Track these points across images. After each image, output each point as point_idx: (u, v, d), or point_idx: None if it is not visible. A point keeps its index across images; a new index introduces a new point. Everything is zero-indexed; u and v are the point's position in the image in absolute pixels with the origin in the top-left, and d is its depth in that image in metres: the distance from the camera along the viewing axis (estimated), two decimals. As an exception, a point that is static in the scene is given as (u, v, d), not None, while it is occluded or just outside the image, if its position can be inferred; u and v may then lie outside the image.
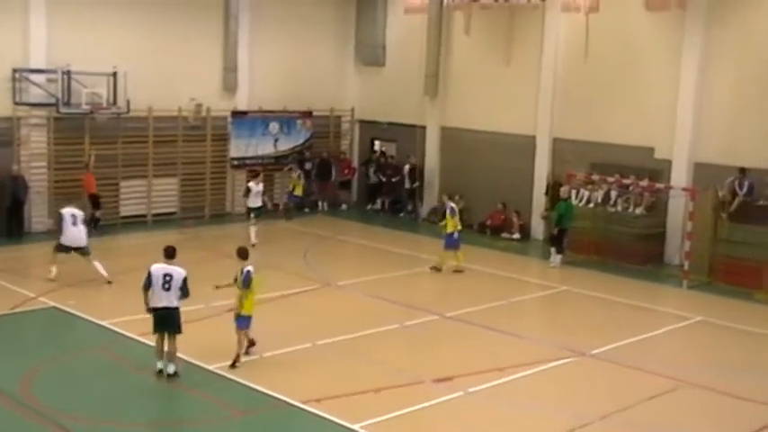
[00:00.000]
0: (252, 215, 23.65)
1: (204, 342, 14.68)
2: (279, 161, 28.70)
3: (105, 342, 15.35)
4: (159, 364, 13.51)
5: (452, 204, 21.65)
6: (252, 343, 14.38)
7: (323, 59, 30.01)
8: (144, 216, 26.08)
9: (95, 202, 24.19)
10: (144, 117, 25.53)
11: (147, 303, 13.42)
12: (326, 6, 30.06)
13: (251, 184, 24.08)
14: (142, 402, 13.10)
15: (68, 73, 23.47)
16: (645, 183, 22.73)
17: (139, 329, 14.80)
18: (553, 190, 24.74)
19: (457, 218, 21.46)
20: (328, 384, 13.50)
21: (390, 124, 29.87)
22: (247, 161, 28.00)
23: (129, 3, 25.14)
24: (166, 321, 13.39)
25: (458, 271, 21.31)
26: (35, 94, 23.52)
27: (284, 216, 27.09)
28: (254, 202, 23.77)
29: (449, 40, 28.04)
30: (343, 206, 30.24)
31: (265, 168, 27.12)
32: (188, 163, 26.99)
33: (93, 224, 24.13)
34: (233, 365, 13.96)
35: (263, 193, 24.37)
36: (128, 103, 24.46)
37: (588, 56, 24.03)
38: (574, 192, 23.62)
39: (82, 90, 23.66)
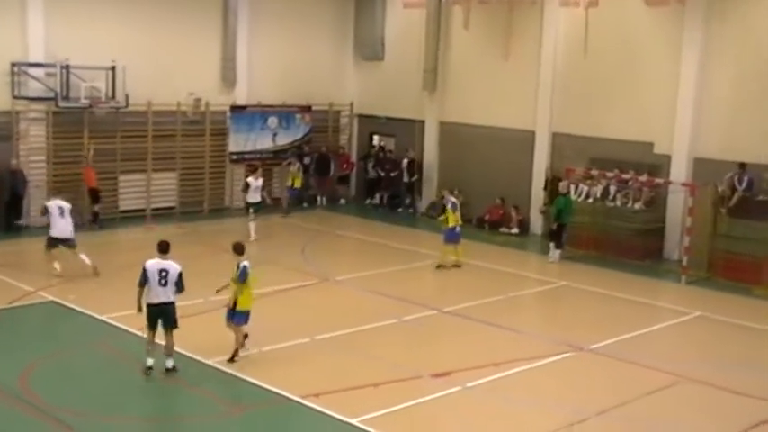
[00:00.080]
0: (251, 210, 23.64)
1: (202, 337, 14.68)
2: (278, 156, 28.68)
3: (105, 337, 15.36)
4: (149, 361, 13.35)
5: (453, 199, 21.61)
6: (245, 336, 14.27)
7: (322, 54, 29.98)
8: (143, 210, 26.08)
9: (95, 196, 24.21)
10: (143, 111, 25.51)
11: (139, 301, 13.30)
12: (325, 1, 30.02)
13: (250, 179, 24.05)
14: (141, 397, 13.11)
15: (67, 67, 23.46)
16: (644, 178, 22.72)
17: (139, 324, 14.73)
18: (552, 185, 24.73)
19: (458, 213, 21.44)
20: (327, 379, 13.51)
21: (389, 119, 29.85)
22: (246, 156, 27.98)
23: (128, -3, 25.20)
24: (164, 316, 13.36)
25: (456, 266, 21.30)
26: (34, 88, 23.50)
27: (285, 212, 27.04)
28: (253, 197, 23.73)
29: (447, 35, 28.00)
30: (342, 201, 30.25)
31: (264, 163, 27.12)
32: (187, 157, 26.98)
33: (92, 218, 24.23)
34: (231, 360, 13.97)
35: (263, 188, 24.34)
36: (126, 97, 24.44)
37: (588, 51, 24.01)
38: (573, 187, 23.60)
39: (81, 84, 23.67)
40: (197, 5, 26.74)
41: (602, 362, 15.18)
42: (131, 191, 26.01)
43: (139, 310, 13.37)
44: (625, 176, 22.98)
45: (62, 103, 23.59)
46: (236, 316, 13.95)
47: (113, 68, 24.08)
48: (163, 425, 12.45)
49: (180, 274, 13.32)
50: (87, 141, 24.41)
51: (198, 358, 14.11)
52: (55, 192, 20.37)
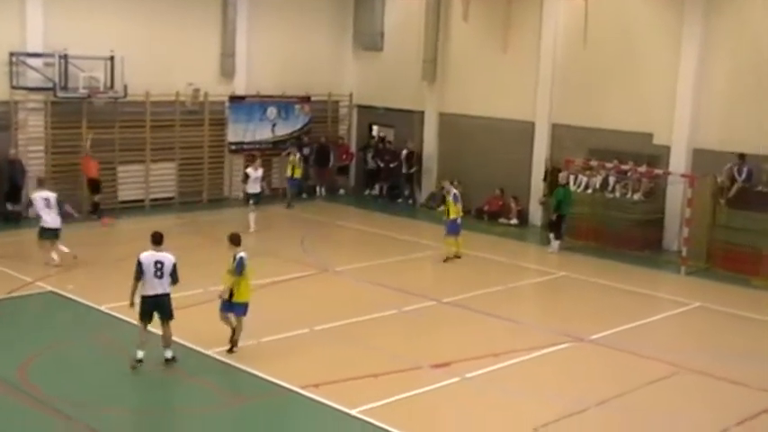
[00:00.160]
0: (250, 201, 23.59)
1: (202, 327, 14.67)
2: (277, 146, 28.64)
3: (104, 327, 15.36)
4: (139, 354, 13.22)
5: (455, 191, 21.48)
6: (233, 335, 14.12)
7: (321, 44, 29.90)
8: (142, 201, 26.05)
9: (95, 186, 24.17)
10: (141, 101, 25.46)
11: (132, 295, 13.22)
12: (325, -9, 30.01)
13: (249, 169, 24.00)
14: (141, 388, 13.11)
15: (65, 57, 23.40)
16: (643, 169, 22.70)
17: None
18: (551, 176, 24.71)
19: (460, 204, 21.36)
20: (326, 370, 13.51)
21: (388, 110, 29.81)
22: (245, 146, 27.94)
23: (127, -13, 25.12)
24: (160, 308, 13.31)
25: (456, 257, 21.27)
26: (32, 78, 23.44)
27: (287, 203, 27.00)
28: (253, 187, 23.66)
29: (447, 26, 27.93)
30: (341, 191, 30.22)
31: (263, 153, 27.07)
32: (186, 148, 26.93)
33: (92, 209, 24.21)
34: (230, 350, 13.96)
35: (263, 178, 24.29)
36: (125, 87, 24.39)
37: (587, 42, 23.93)
38: (572, 178, 23.58)
39: (79, 74, 23.61)
40: (196, -4, 26.73)
41: (601, 352, 15.19)
42: (130, 181, 25.98)
43: (132, 304, 13.29)
44: (624, 167, 22.96)
45: (60, 93, 23.54)
46: (236, 308, 13.90)
47: (112, 58, 24.01)
48: (162, 415, 12.43)
49: (174, 265, 13.26)
50: (86, 131, 24.37)
51: (197, 349, 14.11)
52: (39, 182, 20.21)
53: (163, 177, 26.58)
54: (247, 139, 28.03)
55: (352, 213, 27.44)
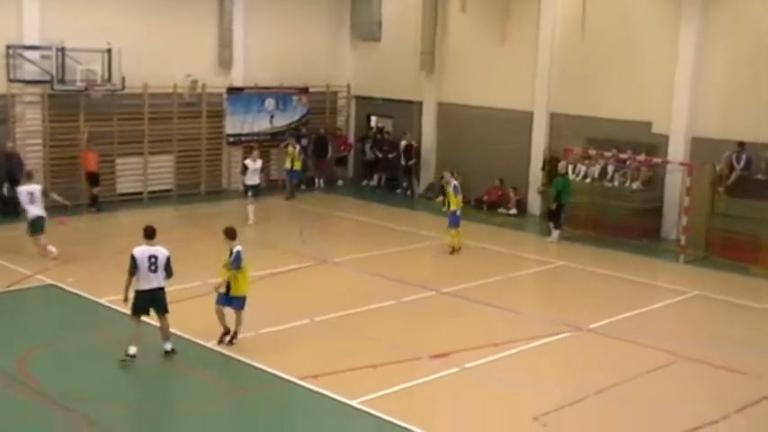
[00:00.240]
0: (249, 193, 23.53)
1: (201, 320, 14.64)
2: (275, 137, 28.61)
3: (104, 320, 15.38)
4: (132, 349, 13.12)
5: (455, 182, 21.41)
6: (227, 331, 14.03)
7: (318, 35, 29.83)
8: (140, 194, 26.03)
9: (94, 179, 24.15)
10: (139, 94, 25.42)
11: (126, 290, 13.16)
12: (322, -19, 29.92)
13: (247, 161, 23.93)
14: (140, 380, 13.12)
15: (62, 50, 23.35)
16: (642, 157, 22.69)
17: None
18: (550, 165, 24.70)
19: (460, 196, 21.29)
20: (326, 361, 13.52)
21: (386, 100, 29.76)
22: (243, 138, 27.90)
23: (123, -21, 25.04)
24: (155, 302, 13.27)
25: (456, 249, 21.24)
26: (29, 71, 23.40)
27: (286, 195, 26.97)
28: (252, 179, 23.55)
29: (445, 17, 27.85)
30: (340, 182, 30.20)
31: (261, 145, 27.03)
32: (183, 140, 26.89)
33: (91, 202, 24.20)
34: (231, 342, 13.97)
35: (262, 170, 24.24)
36: (123, 79, 24.33)
37: (585, 31, 23.85)
38: (571, 167, 23.56)
39: (76, 67, 23.55)
40: (193, -11, 26.64)
41: (600, 341, 15.21)
42: (128, 174, 25.95)
43: (126, 300, 13.25)
44: (623, 156, 22.95)
45: (58, 86, 23.49)
46: (234, 301, 13.88)
47: (109, 51, 23.94)
48: (162, 408, 12.45)
49: (168, 259, 13.22)
50: (83, 125, 24.34)
51: (197, 341, 14.13)
52: (28, 175, 19.95)
53: (161, 170, 26.56)
54: (245, 131, 27.99)
55: (351, 204, 27.43)
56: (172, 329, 13.60)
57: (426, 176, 28.61)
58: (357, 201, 27.95)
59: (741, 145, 21.23)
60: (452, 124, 27.93)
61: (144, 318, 13.40)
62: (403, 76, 28.74)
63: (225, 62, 27.47)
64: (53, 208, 20.24)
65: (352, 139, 30.89)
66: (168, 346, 13.48)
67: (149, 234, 13.24)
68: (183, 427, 11.83)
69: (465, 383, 13.14)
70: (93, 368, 13.24)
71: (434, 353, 14.05)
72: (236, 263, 13.67)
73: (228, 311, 13.99)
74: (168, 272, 13.27)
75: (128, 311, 13.42)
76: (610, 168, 23.46)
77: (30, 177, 19.75)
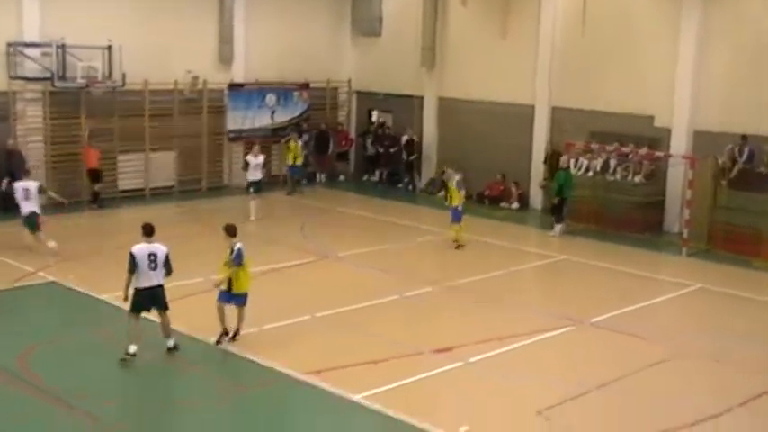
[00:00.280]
0: (251, 189, 23.49)
1: (202, 316, 14.60)
2: (276, 133, 28.58)
3: (105, 317, 15.35)
4: (132, 348, 13.05)
5: (458, 177, 21.32)
6: (225, 332, 13.95)
7: (319, 31, 29.80)
8: (142, 190, 26.03)
9: (95, 176, 24.14)
10: (140, 90, 25.40)
11: (126, 289, 13.12)
12: (322, -23, 29.87)
13: (249, 157, 23.90)
14: (142, 377, 13.09)
15: (63, 47, 23.32)
16: (644, 151, 22.66)
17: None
18: (552, 159, 24.67)
19: (463, 191, 21.24)
20: (328, 356, 13.51)
21: (387, 95, 29.72)
22: (244, 134, 27.89)
23: (123, -25, 25.00)
24: (155, 299, 13.23)
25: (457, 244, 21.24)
26: (30, 69, 23.38)
27: (288, 191, 26.95)
28: (254, 175, 23.53)
29: (445, 12, 27.82)
30: (341, 177, 30.19)
31: (263, 141, 27.00)
32: (185, 136, 26.87)
33: (92, 199, 24.19)
34: (233, 339, 13.95)
35: (263, 165, 24.20)
36: (123, 76, 24.31)
37: (586, 24, 23.80)
38: (573, 161, 23.54)
39: (77, 64, 23.53)
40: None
41: (602, 335, 15.20)
42: (130, 170, 25.94)
43: (126, 298, 13.20)
44: (625, 150, 22.92)
45: (58, 83, 23.48)
46: (236, 298, 13.85)
47: (110, 48, 23.92)
48: (165, 404, 12.44)
49: (167, 256, 13.18)
50: (84, 121, 24.32)
51: (198, 337, 14.12)
52: (26, 172, 19.96)
53: (162, 166, 26.53)
54: (246, 127, 27.98)
55: (352, 199, 27.42)
56: (173, 326, 13.57)
57: (427, 171, 28.59)
58: (358, 196, 27.94)
59: (744, 138, 21.20)
60: (453, 119, 27.89)
61: (144, 314, 13.38)
62: (404, 71, 28.71)
63: (225, 58, 27.44)
64: (52, 205, 20.21)
65: (353, 135, 30.88)
66: (171, 343, 13.46)
67: (148, 231, 13.22)
68: (186, 423, 11.81)
69: (468, 378, 13.12)
70: (94, 365, 13.23)
71: (437, 347, 14.03)
72: (237, 260, 13.63)
73: (230, 309, 13.97)
74: (168, 269, 13.24)
75: (128, 307, 13.38)
76: (612, 162, 23.44)
77: (27, 174, 19.74)
